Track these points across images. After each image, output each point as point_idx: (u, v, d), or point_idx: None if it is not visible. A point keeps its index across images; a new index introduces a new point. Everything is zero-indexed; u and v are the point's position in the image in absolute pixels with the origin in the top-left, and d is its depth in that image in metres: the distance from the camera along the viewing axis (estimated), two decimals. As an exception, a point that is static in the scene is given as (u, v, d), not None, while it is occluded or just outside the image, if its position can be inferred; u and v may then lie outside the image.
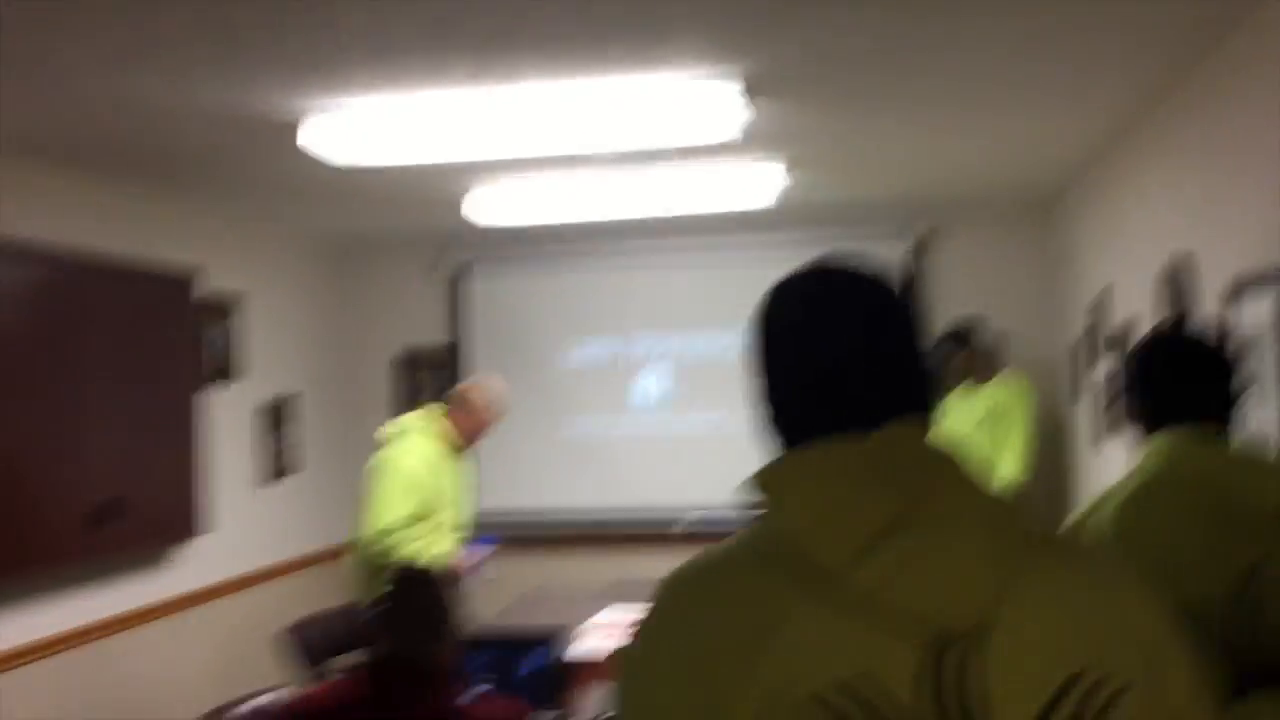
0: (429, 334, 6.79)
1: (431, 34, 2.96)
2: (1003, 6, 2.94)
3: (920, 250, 6.27)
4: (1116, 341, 4.61)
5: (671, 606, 1.07)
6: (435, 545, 4.41)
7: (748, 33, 3.09)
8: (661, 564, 1.30)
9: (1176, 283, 3.75)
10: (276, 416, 6.01)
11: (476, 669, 3.15)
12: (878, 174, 5.37)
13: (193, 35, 2.92)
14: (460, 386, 4.78)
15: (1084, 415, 5.39)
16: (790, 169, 5.07)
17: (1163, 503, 1.82)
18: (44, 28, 2.83)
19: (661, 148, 4.27)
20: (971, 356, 5.60)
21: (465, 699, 2.42)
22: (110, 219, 4.75)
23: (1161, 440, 1.89)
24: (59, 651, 4.38)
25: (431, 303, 6.80)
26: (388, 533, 4.32)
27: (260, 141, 4.03)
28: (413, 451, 4.47)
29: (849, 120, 4.21)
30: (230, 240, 5.69)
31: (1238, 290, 3.12)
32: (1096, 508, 1.90)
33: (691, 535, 6.00)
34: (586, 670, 3.30)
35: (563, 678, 3.23)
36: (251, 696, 3.20)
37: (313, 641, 4.38)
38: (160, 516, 4.83)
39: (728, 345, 6.37)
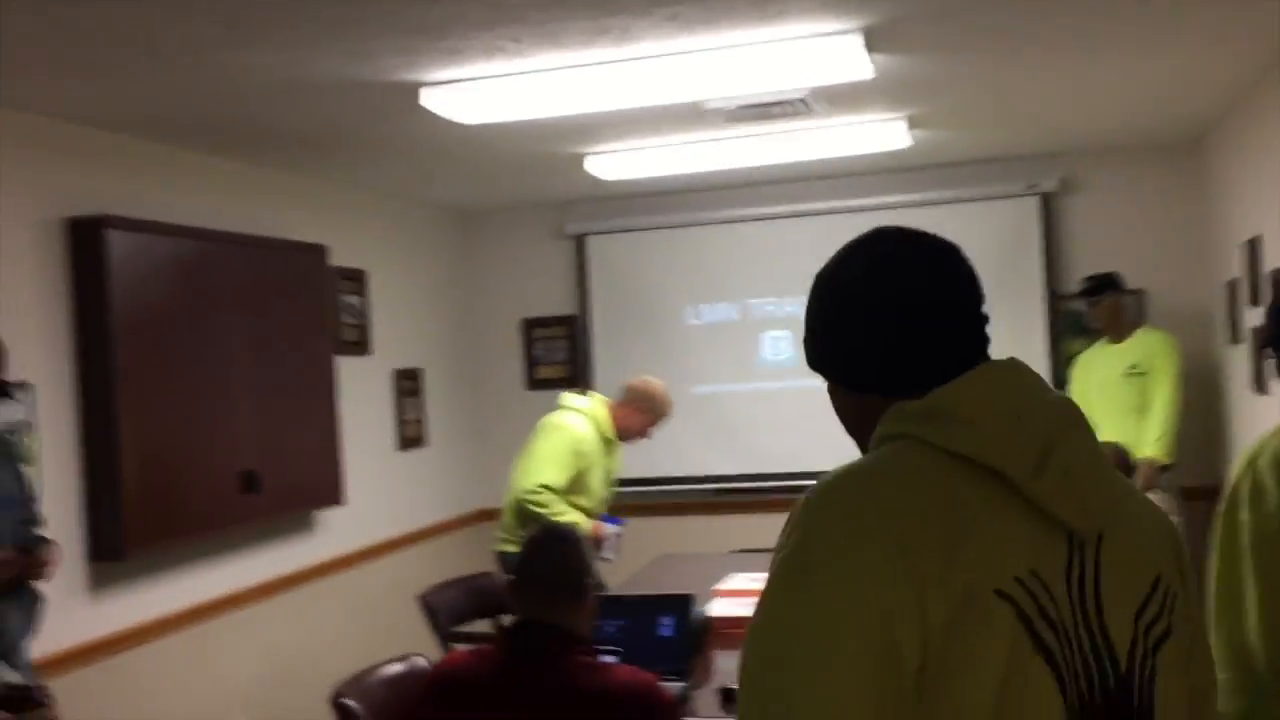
0: (551, 302, 6.81)
1: (546, -2, 2.94)
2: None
3: (1053, 201, 6.05)
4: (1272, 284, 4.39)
5: (864, 507, 1.11)
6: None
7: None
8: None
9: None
10: (407, 387, 6.12)
11: (606, 636, 3.15)
12: (1006, 125, 5.18)
13: (310, 7, 2.95)
14: (634, 382, 4.78)
15: (1241, 359, 5.15)
16: (912, 125, 4.92)
17: None
18: (163, 5, 2.89)
19: (780, 101, 4.17)
20: (1113, 308, 5.41)
21: (598, 667, 2.41)
22: (237, 199, 4.86)
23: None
24: (218, 615, 4.54)
25: (554, 270, 6.81)
26: (547, 489, 4.42)
27: (382, 110, 4.06)
28: (586, 427, 4.62)
29: (975, 70, 4.06)
30: (354, 216, 5.78)
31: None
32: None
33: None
34: (717, 636, 3.27)
35: (694, 644, 3.21)
36: (388, 663, 3.26)
37: (447, 607, 4.48)
38: (305, 483, 4.97)
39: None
